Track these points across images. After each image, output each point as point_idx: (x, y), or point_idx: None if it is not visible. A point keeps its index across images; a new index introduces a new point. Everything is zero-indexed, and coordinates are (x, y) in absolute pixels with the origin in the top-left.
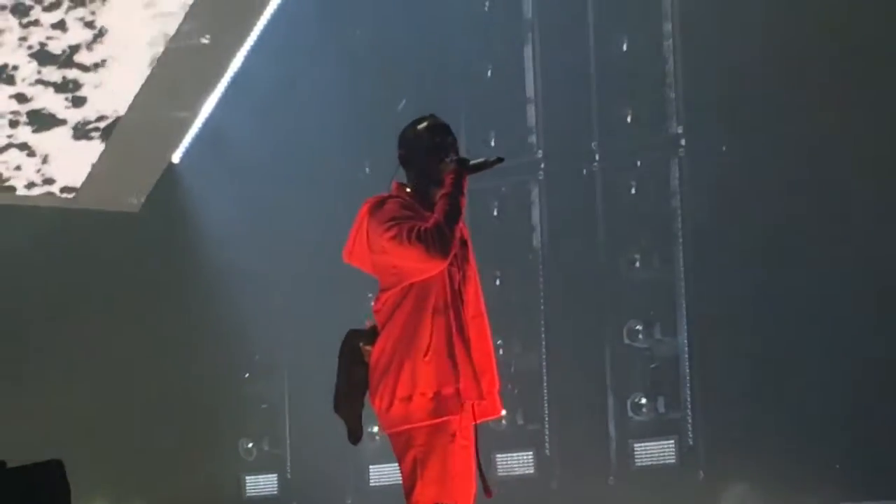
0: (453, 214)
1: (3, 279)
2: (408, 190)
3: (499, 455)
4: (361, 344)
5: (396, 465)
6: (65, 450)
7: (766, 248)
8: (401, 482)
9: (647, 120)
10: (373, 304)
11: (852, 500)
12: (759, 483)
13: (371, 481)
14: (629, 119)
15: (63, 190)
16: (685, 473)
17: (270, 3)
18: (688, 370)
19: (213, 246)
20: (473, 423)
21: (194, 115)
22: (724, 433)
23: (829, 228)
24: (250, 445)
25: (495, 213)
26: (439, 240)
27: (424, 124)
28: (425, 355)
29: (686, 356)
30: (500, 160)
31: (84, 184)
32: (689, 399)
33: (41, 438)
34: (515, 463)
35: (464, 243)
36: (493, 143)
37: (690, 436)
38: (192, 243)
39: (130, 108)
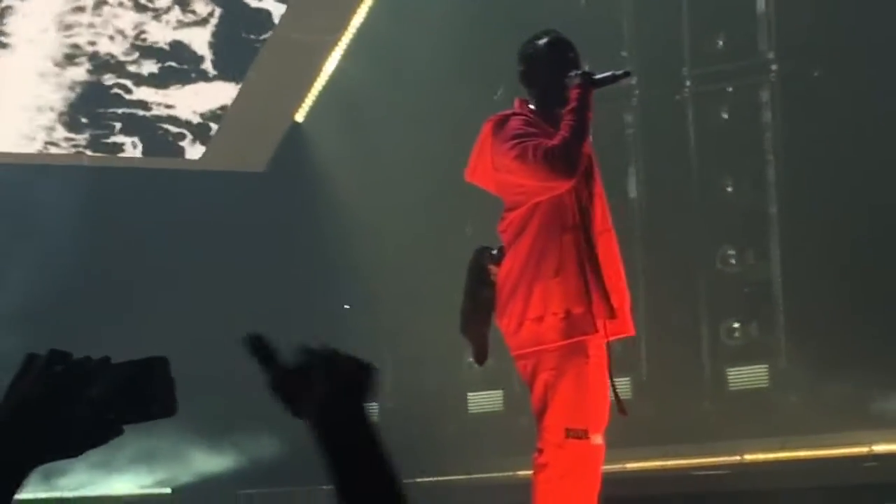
0: (580, 130)
1: (136, 241)
2: (531, 107)
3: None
4: (489, 265)
5: (495, 391)
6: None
7: (859, 170)
8: (501, 409)
9: (738, 45)
10: (498, 224)
11: None
12: (851, 406)
13: (470, 409)
14: (720, 44)
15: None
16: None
17: None
18: (780, 294)
19: (338, 204)
20: (605, 341)
21: (317, 72)
22: (818, 357)
23: None
24: None
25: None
26: (566, 157)
27: (545, 39)
28: (556, 275)
29: (779, 281)
30: (627, 74)
31: (209, 145)
32: (782, 324)
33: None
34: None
35: (588, 159)
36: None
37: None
38: (317, 201)
39: (253, 67)
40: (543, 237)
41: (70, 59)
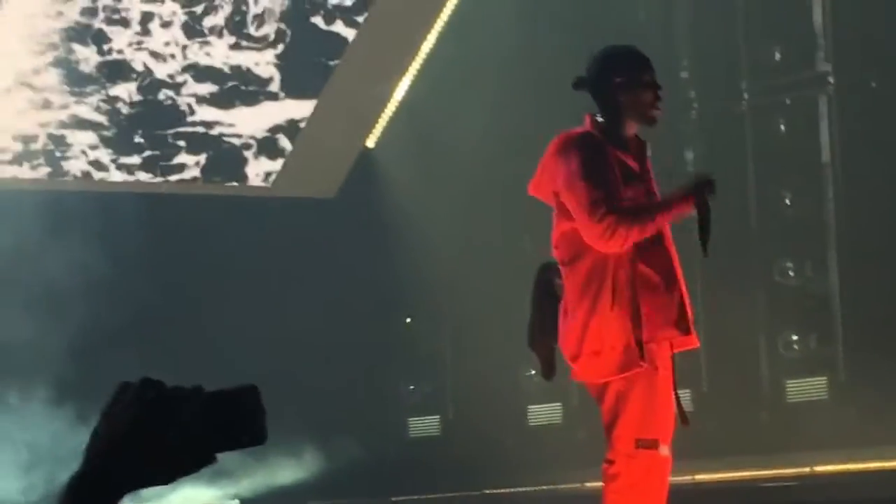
0: (650, 225)
1: (206, 265)
2: (599, 120)
3: None
4: (555, 278)
5: (554, 405)
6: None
7: None
8: (560, 422)
9: (795, 57)
10: (552, 235)
11: None
12: None
13: (530, 421)
14: (777, 57)
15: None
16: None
17: None
18: (839, 307)
19: (408, 230)
20: (672, 353)
21: (389, 98)
22: (876, 368)
23: None
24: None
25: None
26: (624, 237)
27: (624, 54)
28: (611, 310)
29: (837, 293)
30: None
31: (280, 171)
32: (841, 336)
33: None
34: None
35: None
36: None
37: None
38: (387, 228)
39: (324, 92)
40: (600, 269)
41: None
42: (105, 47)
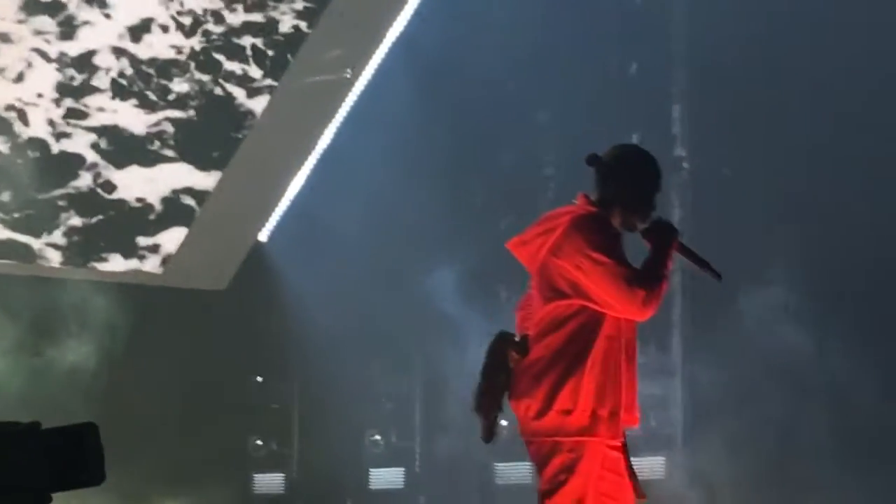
0: (665, 286)
1: (93, 353)
2: (594, 201)
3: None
4: (511, 350)
5: (397, 469)
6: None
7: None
8: (400, 488)
9: (653, 143)
10: (523, 301)
11: None
12: None
13: (371, 485)
14: (635, 140)
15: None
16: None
17: (359, 80)
18: None
19: (300, 323)
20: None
21: (281, 193)
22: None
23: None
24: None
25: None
26: (659, 299)
27: (654, 162)
28: (590, 373)
29: None
30: (717, 276)
31: (170, 261)
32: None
33: None
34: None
35: None
36: None
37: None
38: (278, 320)
39: (217, 187)
40: (584, 338)
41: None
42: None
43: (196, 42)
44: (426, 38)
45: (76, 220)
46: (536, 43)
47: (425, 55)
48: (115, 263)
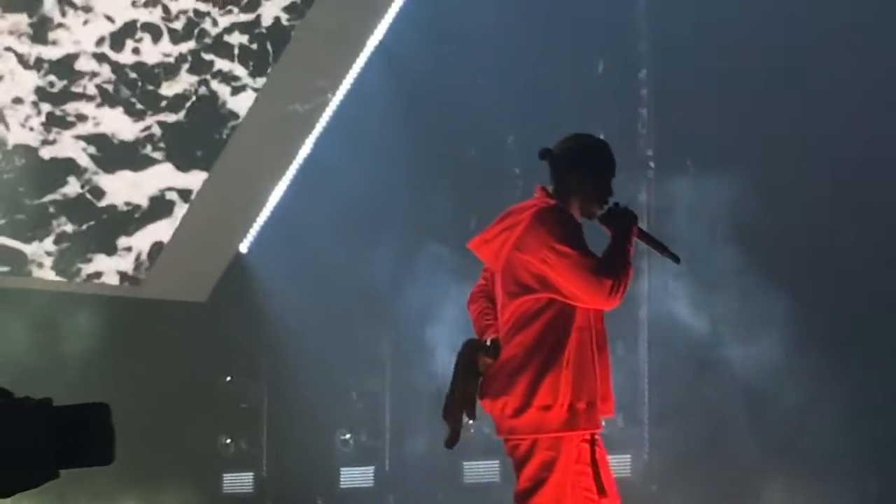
0: (630, 273)
1: (69, 367)
2: (552, 192)
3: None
4: (481, 355)
5: (367, 468)
6: None
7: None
8: (370, 487)
9: (618, 142)
10: (471, 298)
11: None
12: None
13: (342, 484)
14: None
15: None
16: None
17: (340, 88)
18: None
19: (281, 335)
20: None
21: (262, 203)
22: None
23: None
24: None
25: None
26: (623, 290)
27: (606, 148)
28: (567, 367)
29: None
30: (676, 259)
31: (150, 273)
32: None
33: None
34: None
35: None
36: None
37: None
38: (259, 333)
39: (197, 197)
40: (556, 331)
41: None
42: None
43: (185, 47)
44: (403, 47)
45: (67, 226)
46: (507, 45)
47: (403, 65)
48: (99, 264)
